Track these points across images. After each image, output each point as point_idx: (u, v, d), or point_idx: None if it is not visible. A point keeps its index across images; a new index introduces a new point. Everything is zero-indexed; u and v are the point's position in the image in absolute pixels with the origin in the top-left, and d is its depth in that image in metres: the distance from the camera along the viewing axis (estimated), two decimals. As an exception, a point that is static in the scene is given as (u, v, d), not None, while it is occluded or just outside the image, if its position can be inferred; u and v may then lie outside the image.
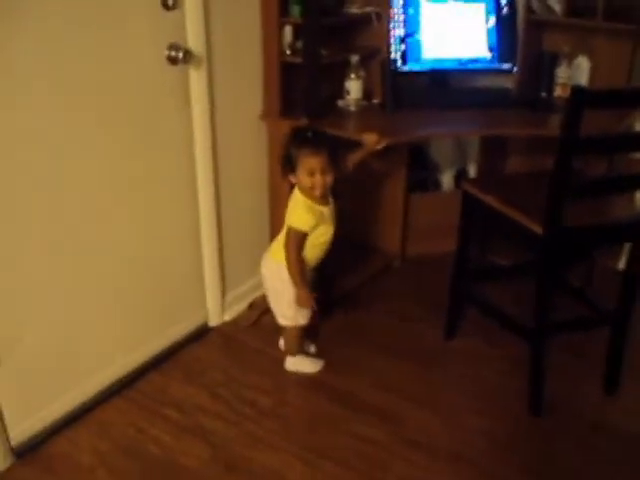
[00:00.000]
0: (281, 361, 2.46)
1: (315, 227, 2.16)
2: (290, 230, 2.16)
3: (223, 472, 1.99)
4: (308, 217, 2.14)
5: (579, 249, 2.66)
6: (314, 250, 2.25)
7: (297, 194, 2.18)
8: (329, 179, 2.12)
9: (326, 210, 2.20)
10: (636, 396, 2.34)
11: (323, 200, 2.19)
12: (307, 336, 2.48)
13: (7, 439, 2.00)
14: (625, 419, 2.24)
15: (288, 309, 2.30)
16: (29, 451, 2.05)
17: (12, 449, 2.02)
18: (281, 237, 2.24)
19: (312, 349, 2.53)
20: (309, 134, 2.11)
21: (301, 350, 2.45)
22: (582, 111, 1.79)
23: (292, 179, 2.17)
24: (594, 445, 2.13)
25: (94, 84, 1.97)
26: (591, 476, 2.01)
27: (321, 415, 2.23)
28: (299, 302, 2.23)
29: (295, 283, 2.20)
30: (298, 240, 2.16)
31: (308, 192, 2.14)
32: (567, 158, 1.87)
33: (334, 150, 2.12)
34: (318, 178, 2.09)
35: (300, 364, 2.43)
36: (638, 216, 2.13)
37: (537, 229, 2.02)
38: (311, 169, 2.08)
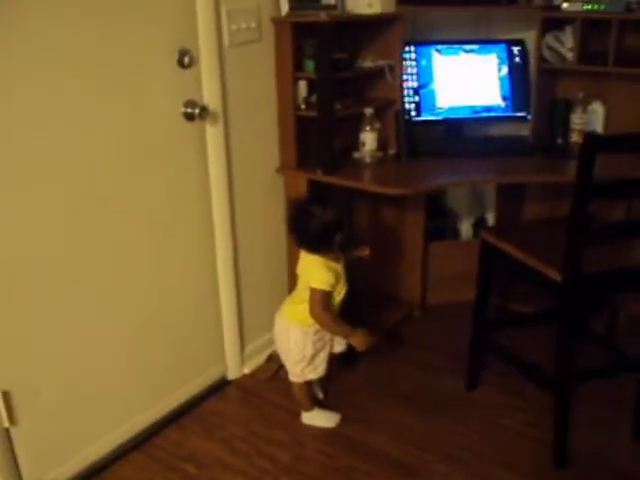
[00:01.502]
0: (297, 414, 2.43)
1: (335, 286, 2.18)
2: (315, 292, 2.15)
3: (242, 529, 1.96)
4: (329, 276, 2.14)
5: (600, 295, 2.63)
6: (336, 304, 2.26)
7: (309, 255, 2.19)
8: (339, 239, 2.15)
9: (339, 267, 2.21)
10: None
11: (337, 257, 2.21)
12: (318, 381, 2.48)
13: (24, 497, 1.98)
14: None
15: (294, 366, 2.31)
16: (46, 509, 2.04)
17: (28, 507, 2.00)
18: (296, 298, 2.26)
19: (320, 395, 2.52)
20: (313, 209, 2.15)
21: (313, 404, 2.41)
22: (595, 156, 1.79)
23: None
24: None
25: (111, 143, 2.01)
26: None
27: (341, 470, 2.19)
28: (359, 345, 2.24)
29: (344, 335, 2.25)
30: (325, 300, 2.16)
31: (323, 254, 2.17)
32: (582, 203, 1.86)
33: (345, 207, 2.14)
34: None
35: (316, 419, 2.40)
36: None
37: (556, 276, 1.99)
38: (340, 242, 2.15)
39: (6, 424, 1.88)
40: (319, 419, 2.40)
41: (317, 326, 2.23)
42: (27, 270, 1.87)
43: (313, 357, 2.28)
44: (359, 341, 2.22)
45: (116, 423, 2.25)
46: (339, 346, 2.36)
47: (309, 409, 2.40)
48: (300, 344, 2.25)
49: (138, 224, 2.17)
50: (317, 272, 2.15)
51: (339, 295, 2.23)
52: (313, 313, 2.17)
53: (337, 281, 2.19)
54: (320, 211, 2.11)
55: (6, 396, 1.87)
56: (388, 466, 2.19)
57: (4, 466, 1.90)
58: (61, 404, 2.05)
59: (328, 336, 2.30)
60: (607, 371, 2.37)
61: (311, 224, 2.11)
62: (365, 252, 2.42)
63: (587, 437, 2.28)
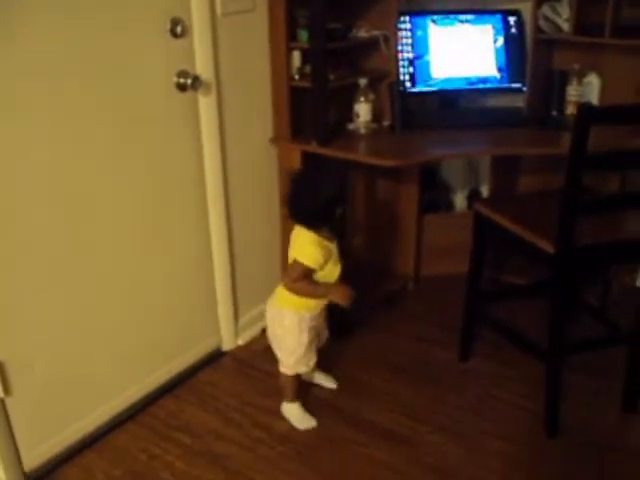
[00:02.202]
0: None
1: (323, 265, 2.06)
2: (297, 265, 2.04)
3: (236, 498, 1.98)
4: (318, 254, 2.03)
5: (593, 267, 2.65)
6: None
7: (303, 230, 2.07)
8: (341, 210, 2.07)
9: (332, 246, 2.11)
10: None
11: (331, 236, 2.11)
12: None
13: (20, 466, 2.00)
14: (644, 440, 2.20)
15: (288, 357, 2.20)
16: (42, 478, 2.06)
17: (25, 475, 2.02)
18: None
19: (317, 378, 2.46)
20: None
21: (296, 397, 2.30)
22: (589, 127, 1.78)
23: None
24: (612, 466, 2.09)
25: (103, 113, 2.00)
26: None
27: (336, 439, 2.21)
28: (342, 300, 2.09)
29: (321, 295, 2.13)
30: (303, 273, 2.04)
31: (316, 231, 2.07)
32: (576, 175, 1.86)
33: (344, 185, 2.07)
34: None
35: (293, 413, 2.30)
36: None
37: (548, 248, 2.00)
38: (339, 213, 2.05)
39: (1, 395, 1.89)
40: (295, 415, 2.29)
41: (313, 312, 2.15)
42: (24, 243, 1.87)
43: (308, 348, 2.18)
44: (341, 295, 2.07)
45: (111, 394, 2.26)
46: (319, 342, 2.30)
47: (291, 401, 2.30)
48: (296, 330, 2.14)
49: (130, 196, 2.16)
50: (308, 247, 2.03)
51: (331, 276, 2.12)
52: (288, 284, 2.08)
53: (326, 260, 2.07)
54: (321, 184, 2.04)
55: (1, 367, 1.87)
56: (382, 437, 2.21)
57: (0, 435, 1.92)
58: (56, 375, 2.06)
59: (320, 325, 2.25)
60: (598, 343, 2.40)
61: (311, 197, 2.01)
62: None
63: (578, 408, 2.31)
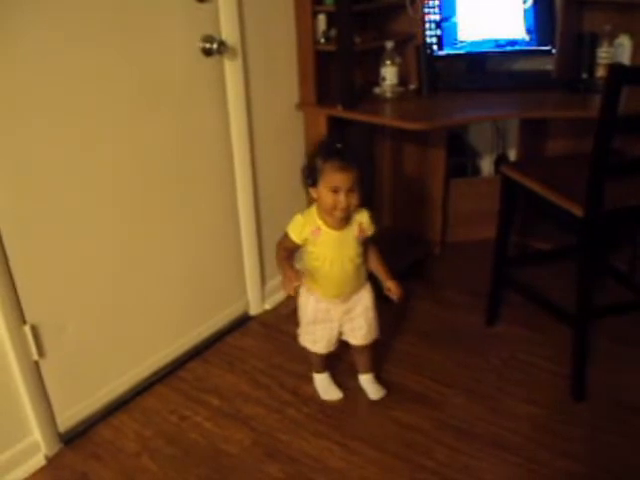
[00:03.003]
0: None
1: (311, 244, 1.98)
2: (284, 231, 2.01)
3: (264, 458, 2.01)
4: (301, 227, 1.96)
5: (622, 231, 2.62)
6: (317, 277, 2.03)
7: (312, 209, 1.99)
8: (354, 201, 1.87)
9: (335, 234, 1.95)
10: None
11: (338, 224, 1.95)
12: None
13: (55, 426, 2.05)
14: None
15: (299, 327, 2.20)
16: (76, 437, 2.11)
17: (60, 435, 2.07)
18: None
19: (361, 381, 2.30)
20: (339, 146, 1.88)
21: (321, 368, 2.28)
22: (620, 89, 1.75)
23: (313, 193, 1.95)
24: (637, 430, 2.09)
25: (129, 79, 2.00)
26: (634, 461, 1.97)
27: (362, 402, 2.24)
28: (283, 286, 1.98)
29: (278, 267, 2.04)
30: (284, 239, 2.00)
31: (326, 212, 1.92)
32: (606, 137, 1.83)
33: (363, 169, 1.88)
34: (342, 198, 1.85)
35: (317, 384, 2.29)
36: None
37: (578, 211, 1.98)
38: (336, 186, 1.84)
39: (35, 357, 1.93)
40: (319, 387, 2.28)
41: (321, 294, 2.06)
42: (56, 205, 1.89)
43: (310, 325, 2.13)
44: (283, 280, 1.96)
45: (141, 357, 2.31)
46: (353, 339, 2.17)
47: (316, 371, 2.29)
48: (301, 301, 2.12)
49: (159, 162, 2.17)
50: (297, 217, 1.99)
51: (318, 261, 1.99)
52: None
53: (315, 242, 1.96)
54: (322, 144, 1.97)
55: (34, 330, 1.91)
56: (408, 399, 2.23)
57: (35, 397, 1.96)
58: (88, 338, 2.10)
59: (335, 315, 2.10)
60: (626, 307, 2.38)
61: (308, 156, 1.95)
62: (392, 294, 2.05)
63: (605, 372, 2.30)
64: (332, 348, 2.18)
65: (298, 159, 2.69)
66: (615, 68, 1.79)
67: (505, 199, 2.36)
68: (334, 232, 1.96)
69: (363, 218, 1.99)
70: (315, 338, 2.16)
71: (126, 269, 2.17)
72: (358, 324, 2.13)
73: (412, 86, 2.82)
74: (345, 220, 1.95)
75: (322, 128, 2.59)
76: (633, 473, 1.93)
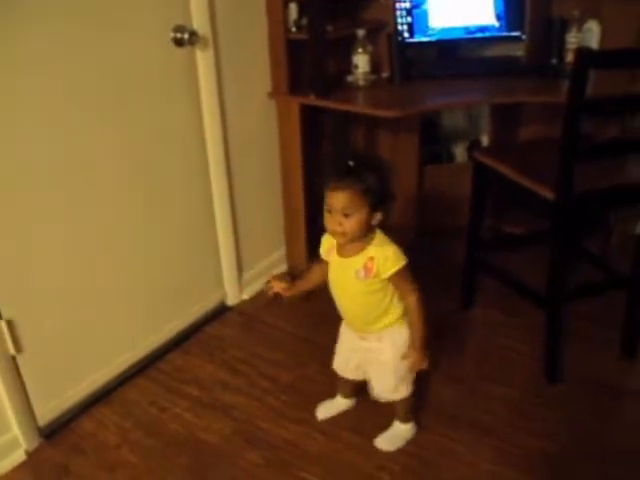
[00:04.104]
0: (299, 337, 2.51)
1: (327, 257, 1.84)
2: None
3: (244, 445, 2.03)
4: (324, 244, 1.83)
5: (593, 213, 2.66)
6: (336, 298, 1.87)
7: None
8: (350, 225, 1.64)
9: (338, 261, 1.78)
10: (653, 360, 2.34)
11: (342, 250, 1.75)
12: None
13: (34, 420, 2.05)
14: (643, 383, 2.25)
15: None
16: (56, 431, 2.11)
17: (39, 429, 2.07)
18: None
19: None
20: (350, 164, 1.66)
21: (337, 392, 2.16)
22: (588, 72, 1.78)
23: None
24: (611, 409, 2.14)
25: (100, 70, 1.99)
26: (608, 440, 2.02)
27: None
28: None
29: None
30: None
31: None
32: (575, 121, 1.86)
33: (377, 191, 1.64)
34: (336, 220, 1.65)
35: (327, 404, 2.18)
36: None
37: (549, 195, 2.01)
38: (329, 207, 1.65)
39: (12, 352, 1.93)
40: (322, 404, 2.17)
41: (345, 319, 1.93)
42: (30, 199, 1.88)
43: (339, 347, 2.01)
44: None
45: (120, 349, 2.31)
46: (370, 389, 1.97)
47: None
48: None
49: (131, 151, 2.16)
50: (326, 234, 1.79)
51: (331, 285, 1.85)
52: None
53: (330, 266, 1.83)
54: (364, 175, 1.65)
55: (11, 325, 1.90)
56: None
57: (13, 393, 1.96)
58: (65, 332, 2.09)
59: (346, 334, 1.96)
60: (597, 288, 2.42)
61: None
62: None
63: (579, 354, 2.35)
64: (347, 376, 2.02)
65: (273, 147, 2.71)
66: (582, 52, 1.81)
67: (477, 184, 2.39)
68: (337, 258, 1.77)
69: (376, 253, 1.69)
70: (338, 359, 2.03)
71: (102, 261, 2.16)
72: (373, 375, 1.93)
73: (384, 74, 2.82)
74: (351, 248, 1.72)
75: (295, 117, 2.60)
76: (606, 452, 1.98)
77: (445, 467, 1.94)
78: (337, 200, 1.62)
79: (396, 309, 1.80)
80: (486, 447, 1.99)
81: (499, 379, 2.26)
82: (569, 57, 2.83)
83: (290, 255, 2.93)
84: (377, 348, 1.85)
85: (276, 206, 2.83)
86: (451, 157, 3.36)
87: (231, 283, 2.70)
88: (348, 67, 2.71)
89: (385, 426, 2.06)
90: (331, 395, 2.18)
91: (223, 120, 2.43)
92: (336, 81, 2.69)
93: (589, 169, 2.00)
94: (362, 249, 1.70)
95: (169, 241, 2.40)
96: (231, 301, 2.73)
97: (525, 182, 2.11)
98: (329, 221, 1.67)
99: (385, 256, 1.69)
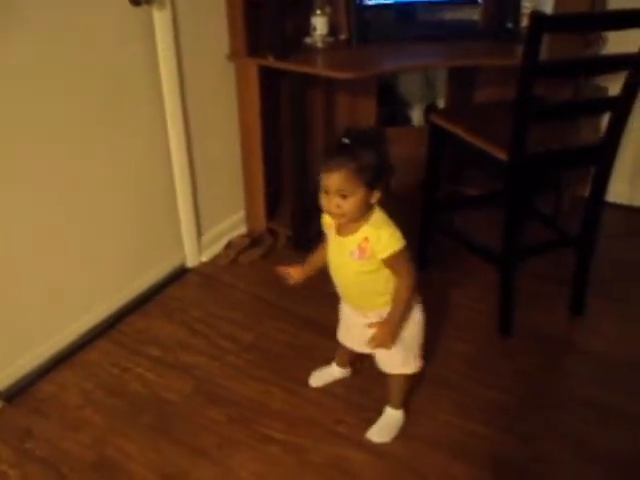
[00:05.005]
0: (258, 297, 2.55)
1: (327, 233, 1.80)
2: None
3: (205, 403, 2.07)
4: (325, 219, 1.77)
5: (545, 175, 2.73)
6: (332, 276, 1.84)
7: None
8: (346, 206, 1.59)
9: (335, 239, 1.74)
10: (600, 316, 2.44)
11: (339, 229, 1.71)
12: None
13: (-6, 383, 2.05)
14: (591, 337, 2.34)
15: None
16: (17, 394, 2.11)
17: (0, 393, 2.07)
18: None
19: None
20: (345, 141, 1.58)
21: (335, 360, 2.17)
22: (541, 36, 1.82)
23: None
24: (562, 362, 2.23)
25: (53, 31, 1.96)
26: (559, 392, 2.12)
27: (301, 346, 2.31)
28: None
29: None
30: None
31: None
32: (528, 83, 1.90)
33: (374, 168, 1.60)
34: (331, 201, 1.60)
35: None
36: (600, 140, 2.18)
37: (502, 156, 2.06)
38: (325, 187, 1.60)
39: (-30, 314, 1.92)
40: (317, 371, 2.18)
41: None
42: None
43: (341, 318, 2.01)
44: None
45: (80, 311, 2.32)
46: (358, 346, 1.94)
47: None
48: None
49: (89, 115, 2.14)
50: None
51: (329, 260, 1.81)
52: None
53: (328, 241, 1.79)
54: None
55: (-33, 287, 1.90)
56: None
57: (-29, 354, 1.96)
58: (21, 296, 2.09)
59: (344, 310, 1.96)
60: (548, 246, 2.50)
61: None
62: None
63: (531, 310, 2.44)
64: (347, 344, 2.00)
65: (231, 108, 2.70)
66: (536, 17, 1.85)
67: (433, 146, 2.43)
68: (335, 236, 1.74)
69: (371, 234, 1.65)
70: (340, 320, 2.02)
71: (59, 224, 2.15)
72: (379, 352, 1.88)
73: (342, 36, 2.83)
74: (349, 227, 1.67)
75: (254, 80, 2.59)
76: (557, 402, 2.08)
77: (407, 423, 1.99)
78: (332, 181, 1.57)
79: (383, 286, 1.75)
80: (445, 400, 2.06)
81: (456, 335, 2.34)
82: (524, 21, 2.86)
83: (249, 218, 2.94)
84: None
85: (235, 169, 2.84)
86: (408, 120, 3.39)
87: (190, 245, 2.71)
88: (306, 29, 2.71)
89: (342, 382, 2.13)
90: (295, 355, 2.24)
91: (181, 82, 2.41)
92: (295, 43, 2.69)
93: (542, 131, 2.06)
94: (358, 228, 1.66)
95: (128, 204, 2.39)
96: (191, 263, 2.74)
97: (479, 143, 2.15)
98: (326, 202, 1.61)
99: (379, 237, 1.64)
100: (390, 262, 1.66)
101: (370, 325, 1.77)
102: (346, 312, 1.94)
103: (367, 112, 3.03)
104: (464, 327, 2.38)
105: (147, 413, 2.04)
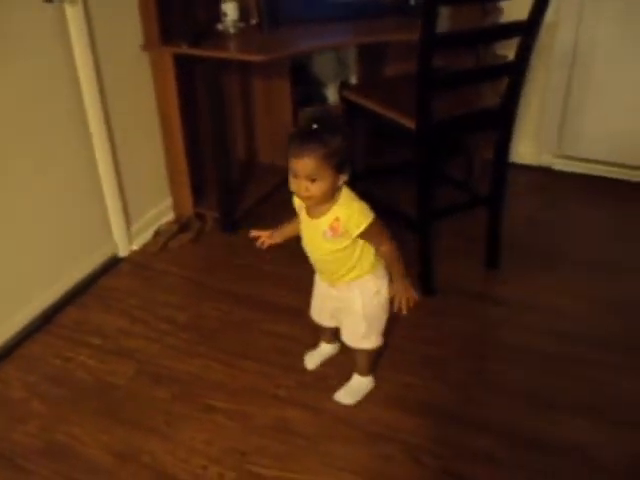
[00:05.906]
0: (190, 280, 2.64)
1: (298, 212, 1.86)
2: None
3: (150, 384, 2.14)
4: (296, 199, 1.83)
5: (452, 140, 2.88)
6: (307, 253, 1.91)
7: None
8: (316, 190, 1.65)
9: (307, 221, 1.80)
10: (512, 268, 2.63)
11: (310, 211, 1.77)
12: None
13: (-64, 383, 2.07)
14: (506, 288, 2.54)
15: None
16: (-42, 394, 2.13)
17: (-58, 392, 2.09)
18: None
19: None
20: (314, 127, 1.64)
21: (319, 340, 2.23)
22: (436, 9, 1.95)
23: None
24: (481, 313, 2.43)
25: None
26: (483, 341, 2.31)
27: (236, 322, 2.40)
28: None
29: None
30: None
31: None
32: (427, 54, 2.04)
33: (341, 152, 1.66)
34: (301, 184, 1.65)
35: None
36: (499, 103, 2.33)
37: (410, 124, 2.19)
38: (294, 172, 1.66)
39: None
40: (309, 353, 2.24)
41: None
42: None
43: (314, 294, 2.08)
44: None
45: (15, 307, 2.34)
46: (341, 334, 2.03)
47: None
48: None
49: (8, 113, 2.16)
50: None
51: (304, 245, 1.89)
52: None
53: (301, 224, 1.86)
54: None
55: None
56: (278, 312, 2.44)
57: None
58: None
59: (318, 283, 2.03)
60: (460, 207, 2.66)
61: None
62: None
63: (450, 268, 2.61)
64: (323, 323, 2.10)
65: (149, 98, 2.75)
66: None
67: (348, 121, 2.55)
68: (307, 218, 1.79)
69: (342, 213, 1.70)
70: (313, 297, 2.09)
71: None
72: (344, 322, 1.99)
73: (254, 21, 2.90)
74: (318, 210, 1.74)
75: (170, 68, 2.64)
76: (480, 348, 2.26)
77: (343, 379, 2.10)
78: (302, 166, 1.62)
79: (366, 261, 1.83)
80: (380, 358, 2.18)
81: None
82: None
83: (176, 204, 3.00)
84: (347, 297, 1.89)
85: (159, 157, 2.89)
86: (324, 98, 3.50)
87: (120, 235, 2.75)
88: (218, 16, 2.77)
89: (280, 350, 2.24)
90: (230, 330, 2.35)
91: (98, 74, 2.44)
92: (207, 30, 2.75)
93: (446, 100, 2.20)
94: (328, 209, 1.71)
95: (54, 197, 2.42)
96: (122, 252, 2.79)
97: (389, 114, 2.28)
98: (295, 185, 1.67)
99: (349, 215, 1.70)
100: (366, 235, 1.74)
101: (390, 297, 1.87)
102: (319, 287, 2.02)
103: (282, 93, 3.13)
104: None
105: (93, 398, 2.10)
